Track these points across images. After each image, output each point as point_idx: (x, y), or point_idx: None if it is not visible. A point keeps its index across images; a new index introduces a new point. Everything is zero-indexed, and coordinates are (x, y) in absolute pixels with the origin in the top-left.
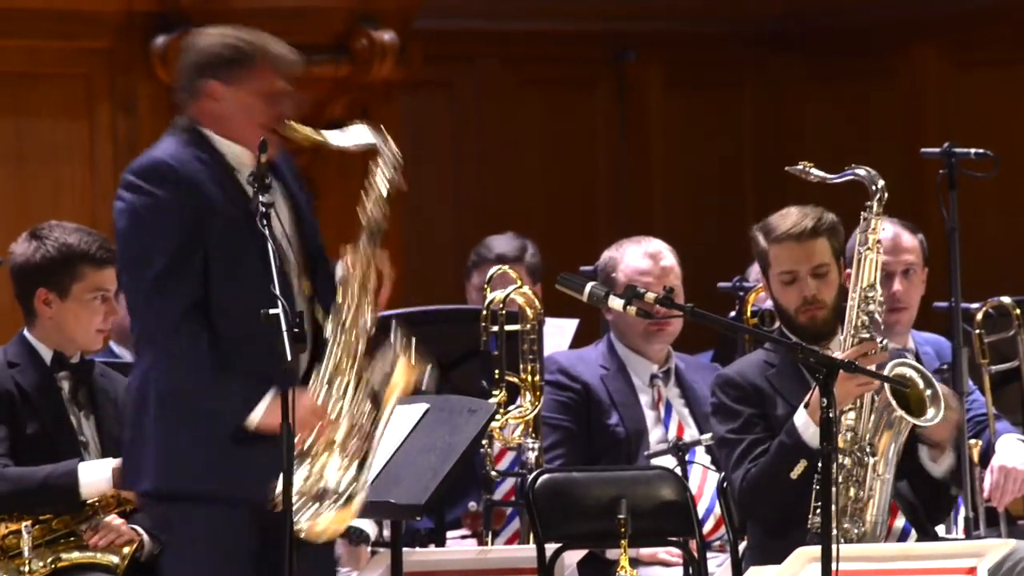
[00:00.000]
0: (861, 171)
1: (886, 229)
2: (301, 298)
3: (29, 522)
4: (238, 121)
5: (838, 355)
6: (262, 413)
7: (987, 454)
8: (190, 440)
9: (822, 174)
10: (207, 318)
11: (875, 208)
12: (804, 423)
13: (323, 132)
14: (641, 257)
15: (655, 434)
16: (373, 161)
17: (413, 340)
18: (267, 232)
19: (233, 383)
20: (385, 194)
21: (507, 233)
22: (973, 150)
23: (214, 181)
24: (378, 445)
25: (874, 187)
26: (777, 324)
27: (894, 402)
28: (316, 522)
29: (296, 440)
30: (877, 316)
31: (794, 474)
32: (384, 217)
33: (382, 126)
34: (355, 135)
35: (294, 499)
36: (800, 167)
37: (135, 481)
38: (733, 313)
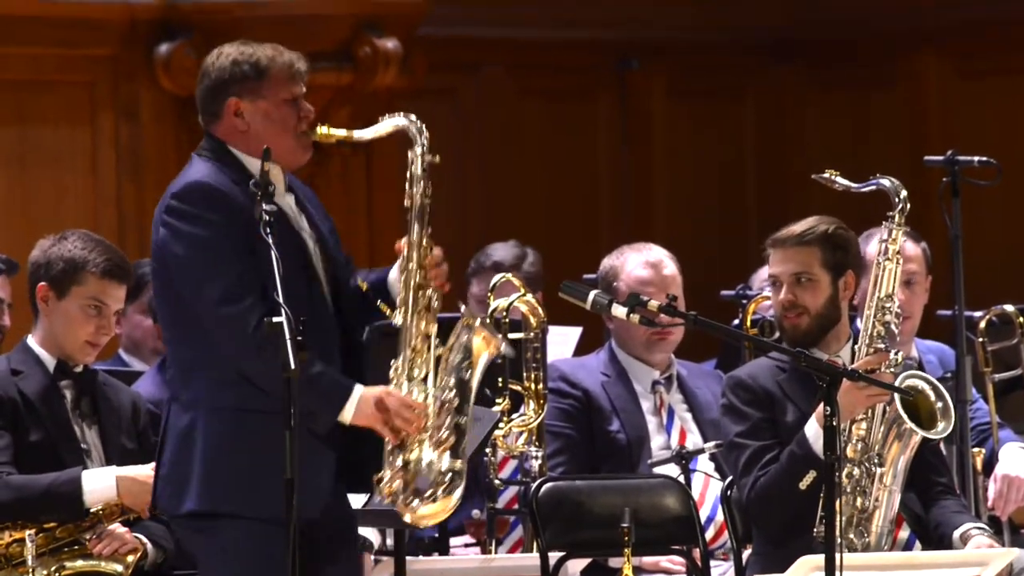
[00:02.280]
0: (885, 181)
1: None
2: (325, 289)
3: (33, 530)
4: (266, 133)
5: (849, 364)
6: (353, 412)
7: (990, 463)
8: (241, 459)
9: (847, 183)
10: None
11: (897, 218)
12: (815, 433)
13: (354, 131)
14: (642, 266)
15: (657, 440)
16: (409, 147)
17: (484, 318)
18: (270, 241)
19: (324, 378)
20: (420, 172)
21: (510, 241)
22: (976, 158)
23: (245, 198)
24: (472, 426)
25: (897, 198)
26: (776, 335)
27: (904, 414)
28: (419, 511)
29: (388, 438)
30: (893, 327)
31: (803, 484)
32: (427, 195)
33: (413, 115)
34: (382, 125)
35: (399, 491)
36: (826, 175)
37: (176, 505)
38: (736, 321)
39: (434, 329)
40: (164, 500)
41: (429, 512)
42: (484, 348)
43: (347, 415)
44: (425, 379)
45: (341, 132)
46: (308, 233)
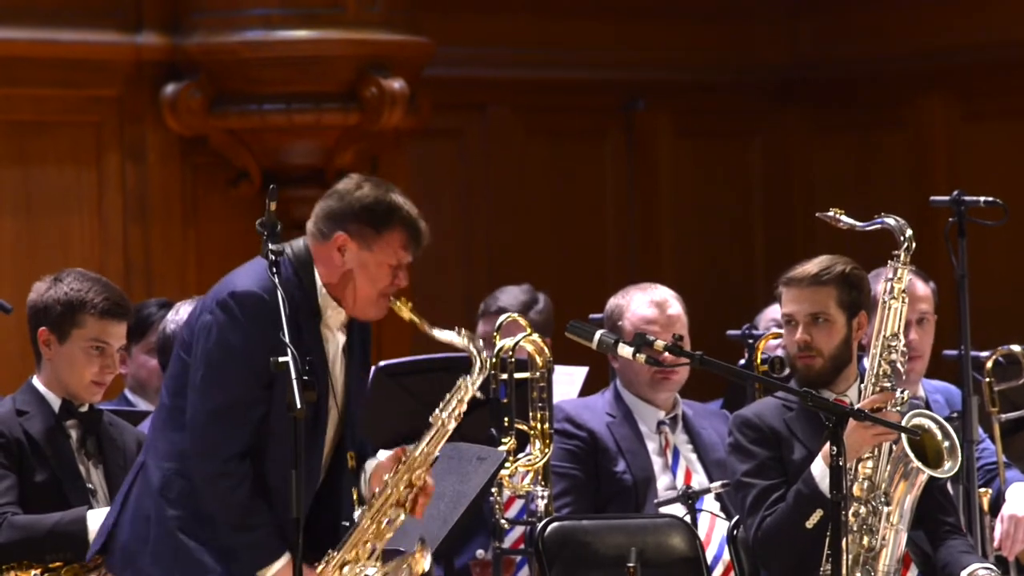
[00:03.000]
0: (891, 220)
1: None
2: (332, 422)
3: (38, 570)
4: (353, 279)
5: (856, 403)
6: (274, 572)
7: (997, 503)
8: (199, 551)
9: (852, 221)
10: (253, 462)
11: (902, 257)
12: (821, 472)
13: (426, 324)
14: (647, 306)
15: (663, 481)
16: (463, 375)
17: (429, 561)
18: (276, 281)
19: (260, 532)
20: (464, 404)
21: (524, 285)
22: (982, 198)
23: (297, 324)
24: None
25: (902, 237)
26: (786, 371)
27: (910, 453)
28: None
29: None
30: (899, 366)
31: (810, 523)
32: (456, 421)
33: (482, 344)
34: (454, 338)
35: None
36: (831, 214)
37: (118, 571)
38: (743, 361)
39: (383, 543)
40: (115, 566)
41: None
42: None
43: (270, 571)
44: None
45: (415, 317)
46: (337, 388)
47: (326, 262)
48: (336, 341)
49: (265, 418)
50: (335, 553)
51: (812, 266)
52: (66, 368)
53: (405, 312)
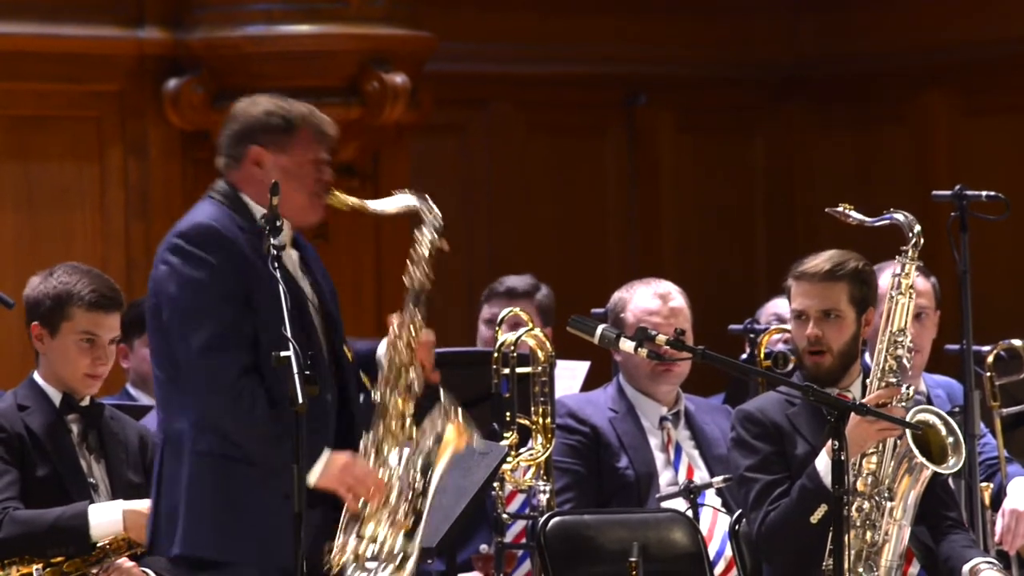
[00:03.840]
0: (899, 216)
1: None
2: (322, 346)
3: (40, 565)
4: (282, 187)
5: (860, 398)
6: (319, 474)
7: (998, 497)
8: (223, 507)
9: (861, 217)
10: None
11: (910, 253)
12: (826, 467)
13: (367, 203)
14: (651, 297)
15: (665, 476)
16: (417, 227)
17: (460, 408)
18: (278, 275)
19: (291, 443)
20: (427, 255)
21: (526, 275)
22: (984, 193)
23: (251, 247)
24: (430, 508)
25: (911, 232)
26: (790, 366)
27: (915, 448)
28: None
29: (348, 504)
30: (905, 361)
31: (814, 518)
32: (428, 279)
33: (426, 196)
34: (396, 201)
35: (349, 562)
36: (840, 209)
37: (166, 548)
38: (744, 355)
39: (411, 410)
40: (156, 542)
41: None
42: (455, 440)
43: (313, 475)
44: (394, 459)
45: (354, 200)
46: (309, 291)
47: (251, 182)
48: (292, 257)
49: (255, 331)
50: (369, 435)
51: (824, 261)
52: (59, 362)
53: (343, 201)
